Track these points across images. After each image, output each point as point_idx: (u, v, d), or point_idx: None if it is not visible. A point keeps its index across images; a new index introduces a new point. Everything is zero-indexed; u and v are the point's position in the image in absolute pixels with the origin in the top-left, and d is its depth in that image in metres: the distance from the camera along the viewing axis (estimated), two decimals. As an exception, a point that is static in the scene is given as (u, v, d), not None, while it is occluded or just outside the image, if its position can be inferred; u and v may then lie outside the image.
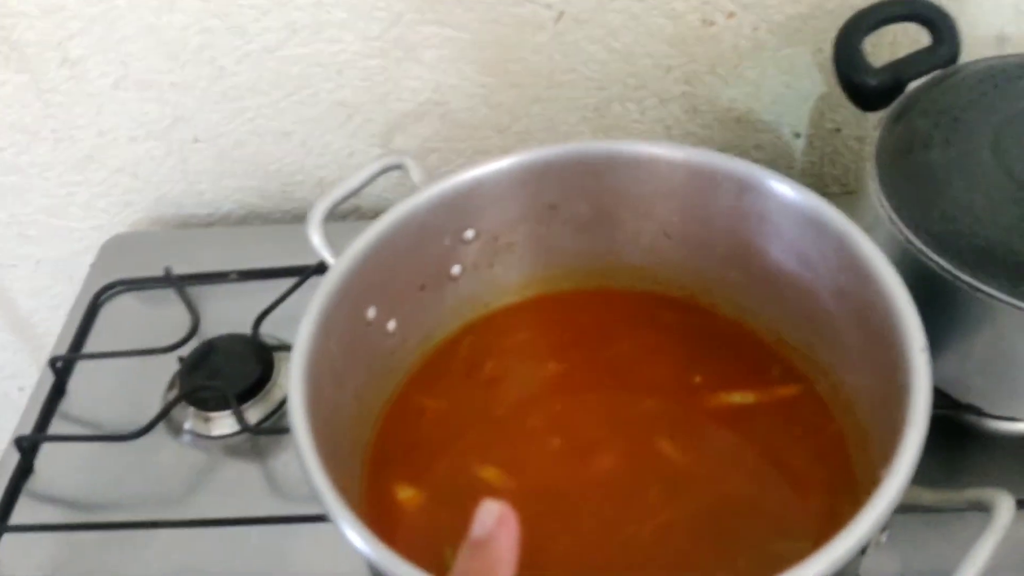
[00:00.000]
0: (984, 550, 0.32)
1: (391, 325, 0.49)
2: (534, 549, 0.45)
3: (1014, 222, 0.44)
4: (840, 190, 0.68)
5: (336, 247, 0.47)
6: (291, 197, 0.73)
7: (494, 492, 0.46)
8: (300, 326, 0.42)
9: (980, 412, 0.52)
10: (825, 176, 0.68)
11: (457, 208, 0.49)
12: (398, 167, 0.50)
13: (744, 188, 0.46)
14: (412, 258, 0.48)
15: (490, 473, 0.47)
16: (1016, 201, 0.45)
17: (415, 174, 0.50)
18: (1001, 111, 0.48)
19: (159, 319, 0.64)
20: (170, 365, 0.61)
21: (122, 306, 0.66)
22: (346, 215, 0.72)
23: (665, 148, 0.48)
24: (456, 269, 0.51)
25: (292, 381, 0.40)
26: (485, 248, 0.51)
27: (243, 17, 0.62)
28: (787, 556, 0.43)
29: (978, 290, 0.43)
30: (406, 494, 0.47)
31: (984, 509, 0.34)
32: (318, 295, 0.43)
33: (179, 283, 0.64)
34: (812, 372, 0.48)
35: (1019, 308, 0.43)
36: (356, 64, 0.64)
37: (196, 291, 0.65)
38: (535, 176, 0.49)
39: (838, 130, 0.65)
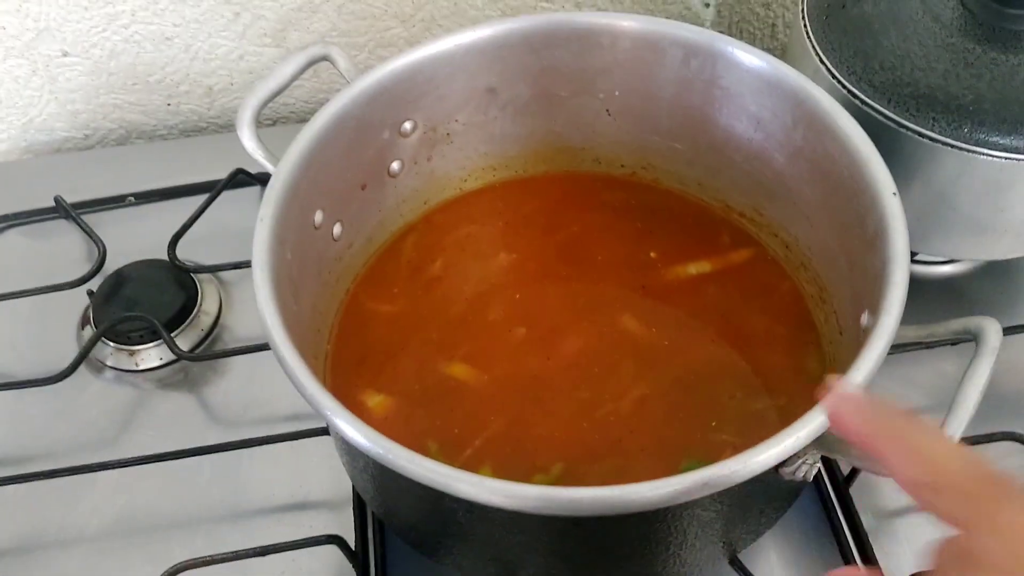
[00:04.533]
0: (981, 374, 0.34)
1: (337, 229, 0.46)
2: (516, 438, 0.44)
3: (949, 67, 0.45)
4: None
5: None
6: (177, 111, 0.67)
7: (465, 387, 0.46)
8: (256, 235, 0.39)
9: (914, 258, 0.54)
10: (732, 46, 0.68)
11: (394, 98, 0.46)
12: (324, 58, 0.46)
13: (692, 54, 0.45)
14: (352, 156, 0.45)
15: (458, 369, 0.46)
16: (947, 47, 0.46)
17: (342, 65, 0.46)
18: (923, -40, 0.49)
19: (54, 254, 0.59)
20: (76, 301, 0.56)
21: (10, 244, 0.60)
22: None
23: (607, 17, 0.46)
24: (395, 165, 0.48)
25: (260, 294, 0.37)
26: (423, 140, 0.49)
27: (109, -93, 0.55)
28: (762, 413, 0.45)
29: (923, 135, 0.44)
30: (375, 400, 0.45)
31: (970, 338, 0.36)
32: (267, 201, 0.40)
33: (73, 212, 0.58)
34: (762, 234, 0.49)
35: (961, 149, 0.44)
36: (242, -45, 0.59)
37: (92, 219, 0.59)
38: (473, 58, 0.47)
39: (745, -4, 0.65)
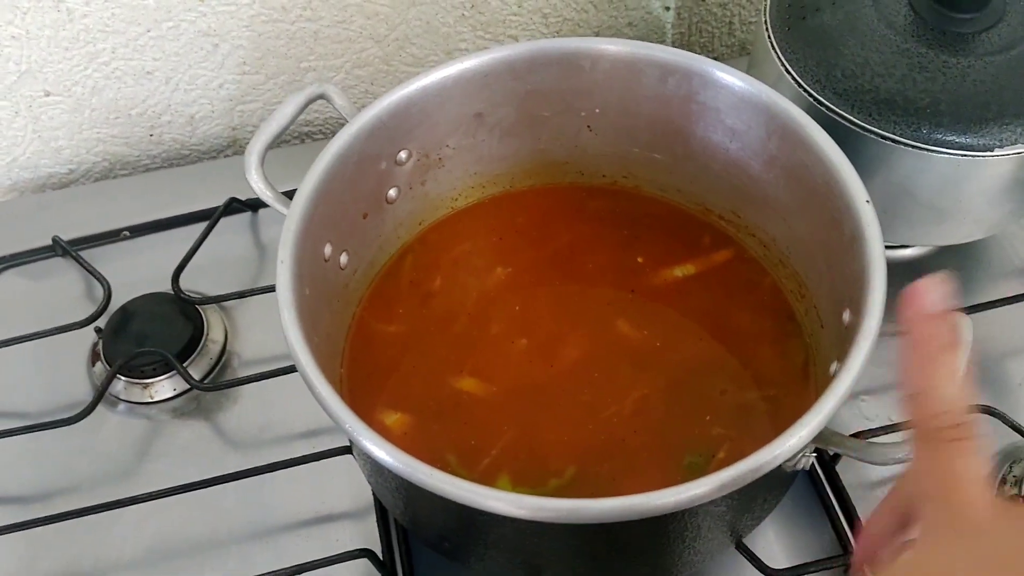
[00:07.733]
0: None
1: (343, 259, 0.48)
2: (529, 445, 0.47)
3: (906, 72, 0.49)
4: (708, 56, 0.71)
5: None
6: (159, 140, 0.68)
7: (476, 399, 0.49)
8: (278, 278, 0.41)
9: (879, 245, 0.58)
10: (694, 45, 0.71)
11: (390, 131, 0.48)
12: (321, 97, 0.48)
13: (668, 73, 0.48)
14: (354, 189, 0.48)
15: (468, 383, 0.49)
16: (903, 52, 0.49)
17: (338, 102, 0.48)
18: (874, -31, 0.52)
19: (55, 292, 0.60)
20: (83, 338, 0.57)
21: (10, 285, 0.61)
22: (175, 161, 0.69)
23: (586, 43, 0.49)
24: (392, 192, 0.51)
25: (290, 334, 0.40)
26: (417, 166, 0.51)
27: (87, -48, 0.56)
28: (753, 404, 0.49)
29: (885, 137, 0.48)
30: (392, 419, 0.48)
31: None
32: (285, 244, 0.42)
33: (72, 250, 0.59)
34: (741, 235, 0.52)
35: (920, 148, 0.48)
36: (218, -12, 0.60)
37: (88, 255, 0.61)
38: (461, 87, 0.49)
39: (703, -1, 0.68)
